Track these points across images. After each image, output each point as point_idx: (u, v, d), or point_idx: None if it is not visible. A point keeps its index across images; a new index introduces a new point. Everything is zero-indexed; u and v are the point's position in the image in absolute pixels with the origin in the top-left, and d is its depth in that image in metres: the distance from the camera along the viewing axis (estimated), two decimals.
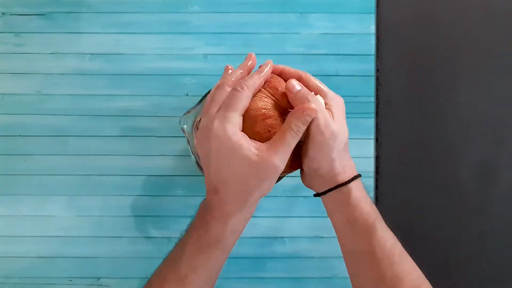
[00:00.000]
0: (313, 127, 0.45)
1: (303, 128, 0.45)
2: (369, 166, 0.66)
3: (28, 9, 0.66)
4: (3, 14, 0.66)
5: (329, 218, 0.50)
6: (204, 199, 0.47)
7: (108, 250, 0.66)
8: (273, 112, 0.47)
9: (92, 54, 0.66)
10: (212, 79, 0.66)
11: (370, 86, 0.67)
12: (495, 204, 0.69)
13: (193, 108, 0.58)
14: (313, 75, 0.67)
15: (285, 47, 0.67)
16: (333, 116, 0.47)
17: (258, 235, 0.66)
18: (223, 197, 0.45)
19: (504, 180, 0.69)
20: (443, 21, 0.70)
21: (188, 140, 0.57)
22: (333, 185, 0.47)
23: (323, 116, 0.45)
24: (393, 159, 0.69)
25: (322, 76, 0.67)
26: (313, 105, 0.45)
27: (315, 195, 0.50)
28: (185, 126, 0.56)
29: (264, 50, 0.67)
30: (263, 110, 0.47)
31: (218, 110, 0.45)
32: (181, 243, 0.47)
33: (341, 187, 0.47)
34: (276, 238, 0.66)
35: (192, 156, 0.58)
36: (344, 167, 0.47)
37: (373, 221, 0.46)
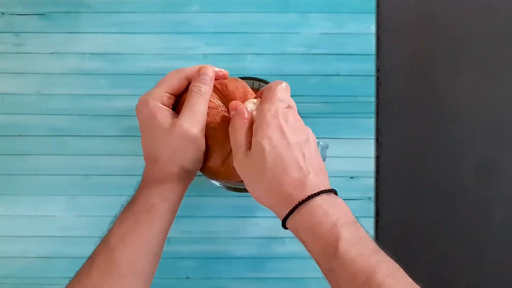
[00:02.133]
0: None
1: (205, 87, 0.47)
2: (369, 166, 0.66)
3: (28, 9, 0.66)
4: (3, 14, 0.66)
5: None
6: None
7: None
8: (217, 104, 0.49)
9: (92, 54, 0.66)
10: None
11: (370, 86, 0.67)
12: (495, 203, 0.69)
13: None
14: (313, 75, 0.67)
15: (285, 47, 0.67)
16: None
17: (258, 235, 0.66)
18: (148, 166, 0.47)
19: (504, 179, 0.69)
20: (443, 21, 0.70)
21: None
22: (290, 208, 0.42)
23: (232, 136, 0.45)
24: (393, 159, 0.69)
25: (322, 76, 0.67)
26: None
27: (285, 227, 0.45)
28: None
29: (264, 50, 0.67)
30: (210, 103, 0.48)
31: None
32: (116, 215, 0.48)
33: (300, 207, 0.41)
34: (276, 238, 0.66)
35: None
36: (300, 187, 0.41)
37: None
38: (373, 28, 0.67)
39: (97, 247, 0.46)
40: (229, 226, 0.66)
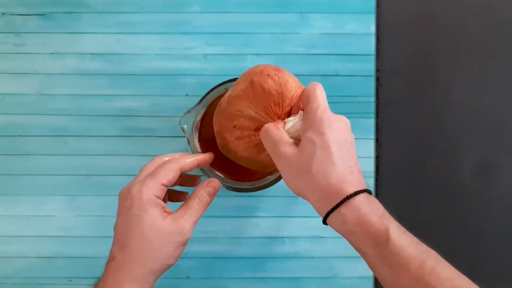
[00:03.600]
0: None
1: (208, 198, 0.48)
2: (369, 166, 0.66)
3: (28, 9, 0.66)
4: (3, 14, 0.66)
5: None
6: (106, 263, 0.46)
7: (108, 250, 0.65)
8: (248, 123, 0.49)
9: (92, 54, 0.66)
10: (212, 79, 0.66)
11: (370, 86, 0.67)
12: (495, 203, 0.70)
13: (193, 108, 0.58)
14: (313, 75, 0.67)
15: (285, 47, 0.67)
16: (302, 137, 0.44)
17: (258, 235, 0.66)
18: (123, 266, 0.44)
19: (504, 179, 0.69)
20: (443, 21, 0.70)
21: (188, 140, 0.58)
22: (332, 206, 0.43)
23: (268, 135, 0.46)
24: (393, 159, 0.69)
25: (322, 76, 0.67)
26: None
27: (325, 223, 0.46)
28: (185, 126, 0.57)
29: (264, 50, 0.67)
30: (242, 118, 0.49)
31: (141, 175, 0.47)
32: None
33: (342, 205, 0.42)
34: (276, 238, 0.66)
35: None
36: (343, 182, 0.42)
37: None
38: (373, 29, 0.67)
39: None
40: (229, 226, 0.66)
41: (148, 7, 0.67)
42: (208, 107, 0.60)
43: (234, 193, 0.64)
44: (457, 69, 0.70)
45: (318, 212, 0.45)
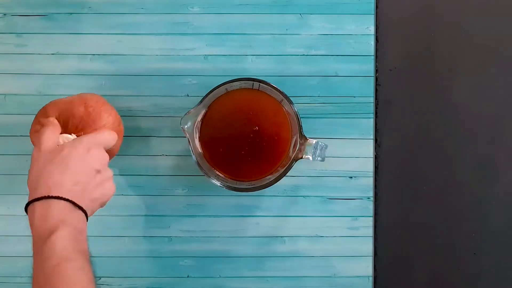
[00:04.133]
0: None
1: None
2: (369, 166, 0.67)
3: (30, 10, 0.67)
4: (5, 15, 0.67)
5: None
6: None
7: (108, 250, 0.66)
8: None
9: (93, 54, 0.67)
10: (213, 80, 0.66)
11: (369, 87, 0.67)
12: (494, 203, 0.70)
13: (194, 108, 0.58)
14: (313, 76, 0.67)
15: (285, 48, 0.67)
16: None
17: (258, 235, 0.67)
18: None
19: (503, 179, 0.70)
20: (443, 22, 0.70)
21: (189, 140, 0.58)
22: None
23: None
24: (392, 159, 0.69)
25: (322, 77, 0.67)
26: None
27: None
28: (186, 126, 0.57)
29: (264, 51, 0.67)
30: None
31: None
32: None
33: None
34: (276, 237, 0.67)
35: (193, 156, 0.59)
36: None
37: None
38: (372, 29, 0.67)
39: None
40: (229, 225, 0.66)
41: (149, 8, 0.67)
42: (208, 108, 0.60)
43: (234, 192, 0.64)
44: (457, 69, 0.70)
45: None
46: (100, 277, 0.66)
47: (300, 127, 0.58)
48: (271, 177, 0.59)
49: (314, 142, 0.58)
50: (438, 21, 0.70)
